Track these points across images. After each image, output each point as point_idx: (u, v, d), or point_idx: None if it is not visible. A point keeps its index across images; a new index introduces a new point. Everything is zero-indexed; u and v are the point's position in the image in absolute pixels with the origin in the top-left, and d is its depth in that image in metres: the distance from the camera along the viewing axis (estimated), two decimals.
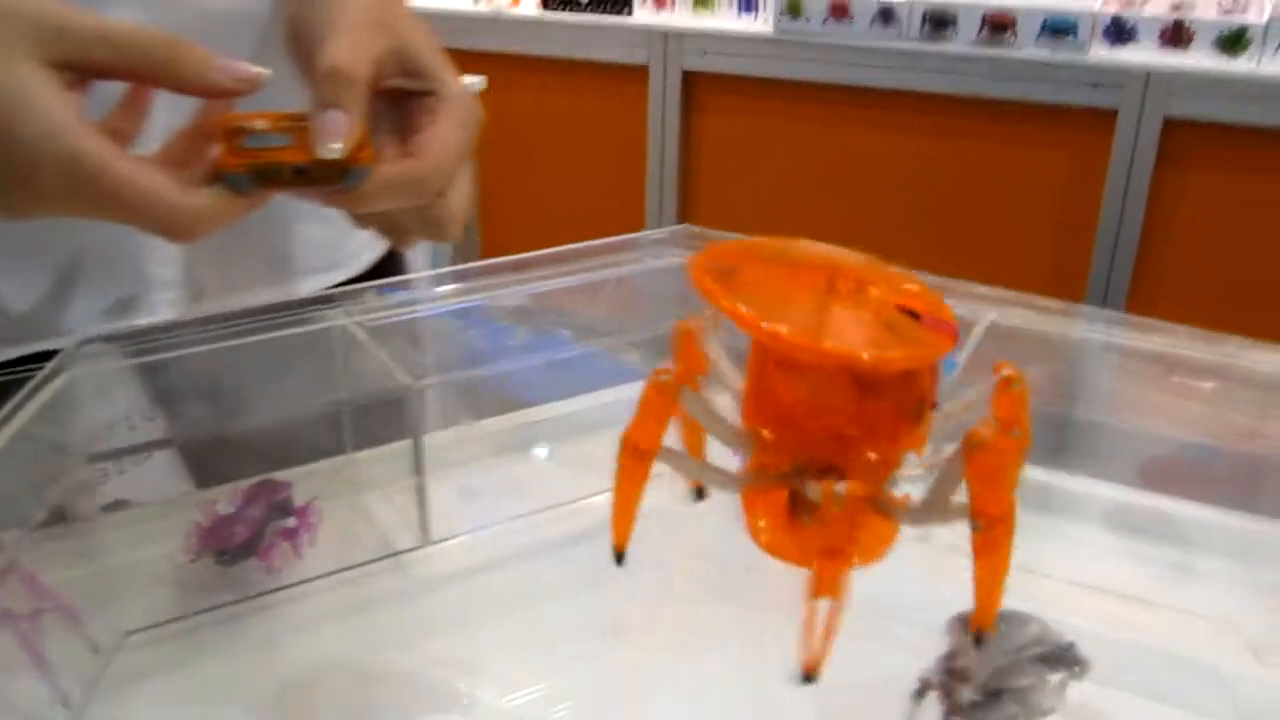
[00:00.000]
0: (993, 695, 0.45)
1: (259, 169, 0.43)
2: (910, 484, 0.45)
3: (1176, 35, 2.15)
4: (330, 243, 0.71)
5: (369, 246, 0.73)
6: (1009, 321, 0.58)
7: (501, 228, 2.87)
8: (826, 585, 0.40)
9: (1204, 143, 2.17)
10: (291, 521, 0.58)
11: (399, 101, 0.48)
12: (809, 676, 0.41)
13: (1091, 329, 0.58)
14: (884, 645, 0.51)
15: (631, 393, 0.72)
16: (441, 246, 2.09)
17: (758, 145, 2.58)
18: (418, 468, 0.57)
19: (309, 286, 0.69)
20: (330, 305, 0.56)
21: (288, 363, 0.57)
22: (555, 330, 0.60)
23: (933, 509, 0.43)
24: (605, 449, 0.70)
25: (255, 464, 0.60)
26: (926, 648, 0.47)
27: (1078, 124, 2.26)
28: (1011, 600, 0.45)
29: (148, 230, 0.43)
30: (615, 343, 0.62)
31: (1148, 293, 2.28)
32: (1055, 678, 0.47)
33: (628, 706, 0.52)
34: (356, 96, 0.44)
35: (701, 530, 0.63)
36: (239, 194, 0.44)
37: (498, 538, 0.62)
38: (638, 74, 2.61)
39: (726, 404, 0.47)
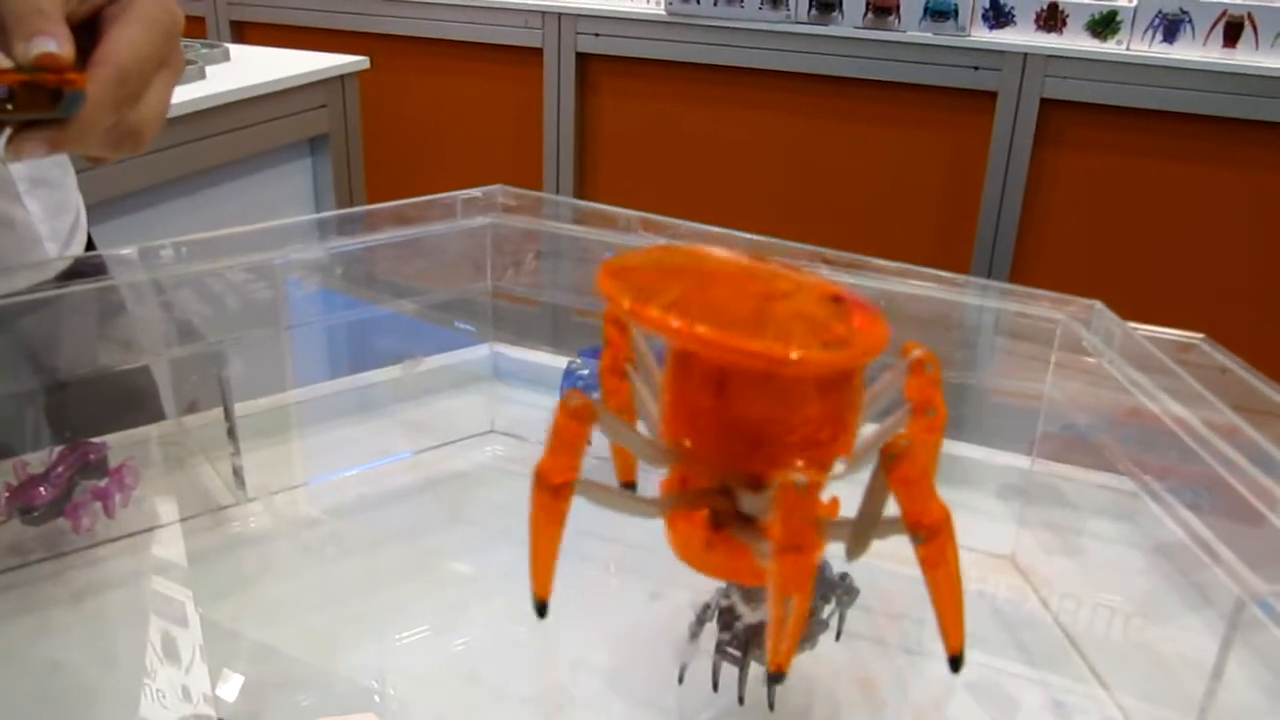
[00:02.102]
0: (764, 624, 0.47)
1: None
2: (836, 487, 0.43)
3: (1051, 18, 2.22)
4: None
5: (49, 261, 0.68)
6: (899, 290, 0.57)
7: None
8: (795, 581, 0.37)
9: (1078, 123, 2.24)
10: (104, 481, 0.58)
11: (90, 27, 0.46)
12: (776, 676, 0.40)
13: (984, 298, 0.58)
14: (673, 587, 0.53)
15: (447, 360, 0.74)
16: None
17: (653, 126, 2.60)
18: (227, 413, 0.57)
19: None
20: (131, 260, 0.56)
21: (88, 321, 0.57)
22: (367, 292, 0.60)
23: (866, 530, 0.41)
24: (424, 413, 0.72)
25: (78, 431, 0.60)
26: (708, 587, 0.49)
27: (960, 105, 2.32)
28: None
29: None
30: (426, 303, 0.63)
31: (1029, 267, 2.35)
32: (828, 607, 0.49)
33: (511, 647, 0.53)
34: (52, 10, 0.42)
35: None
36: None
37: (321, 494, 0.63)
38: (531, 56, 2.61)
39: (648, 402, 0.46)
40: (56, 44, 0.42)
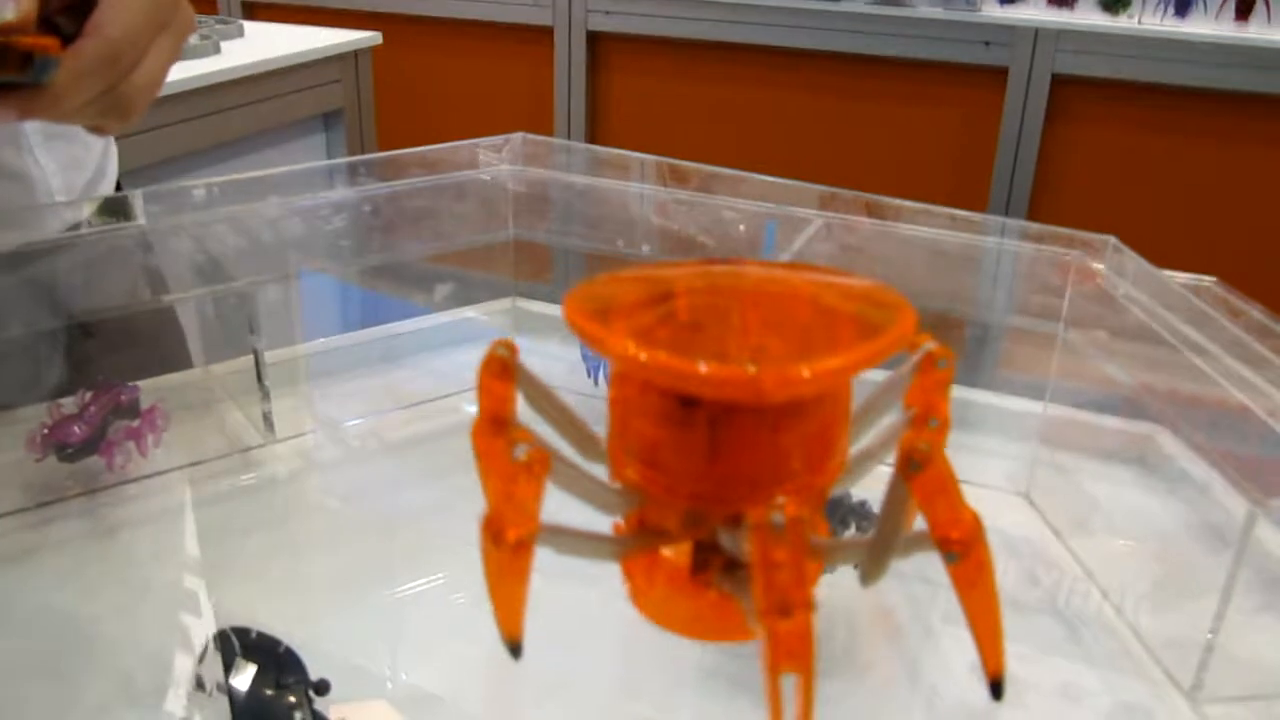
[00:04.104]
0: None
1: None
2: None
3: None
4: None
5: (56, 210, 0.66)
6: (910, 234, 0.58)
7: None
8: (789, 653, 0.30)
9: (1090, 98, 2.24)
10: (136, 422, 0.59)
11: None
12: None
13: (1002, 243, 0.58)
14: None
15: (470, 312, 0.75)
16: None
17: (664, 104, 2.60)
18: (256, 355, 0.58)
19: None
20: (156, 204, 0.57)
21: (115, 264, 0.58)
22: (390, 238, 0.61)
23: (885, 549, 0.36)
24: (446, 363, 0.73)
25: (108, 376, 0.61)
26: None
27: (971, 81, 2.32)
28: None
29: None
30: (449, 250, 0.64)
31: None
32: (848, 533, 0.50)
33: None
34: None
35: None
36: None
37: (346, 438, 0.64)
38: (543, 35, 2.62)
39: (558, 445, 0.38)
40: (13, 8, 0.40)
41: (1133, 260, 0.53)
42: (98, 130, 0.49)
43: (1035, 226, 0.56)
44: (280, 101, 1.75)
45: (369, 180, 0.60)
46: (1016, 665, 0.50)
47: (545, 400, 0.38)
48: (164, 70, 0.47)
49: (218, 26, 1.74)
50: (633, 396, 0.34)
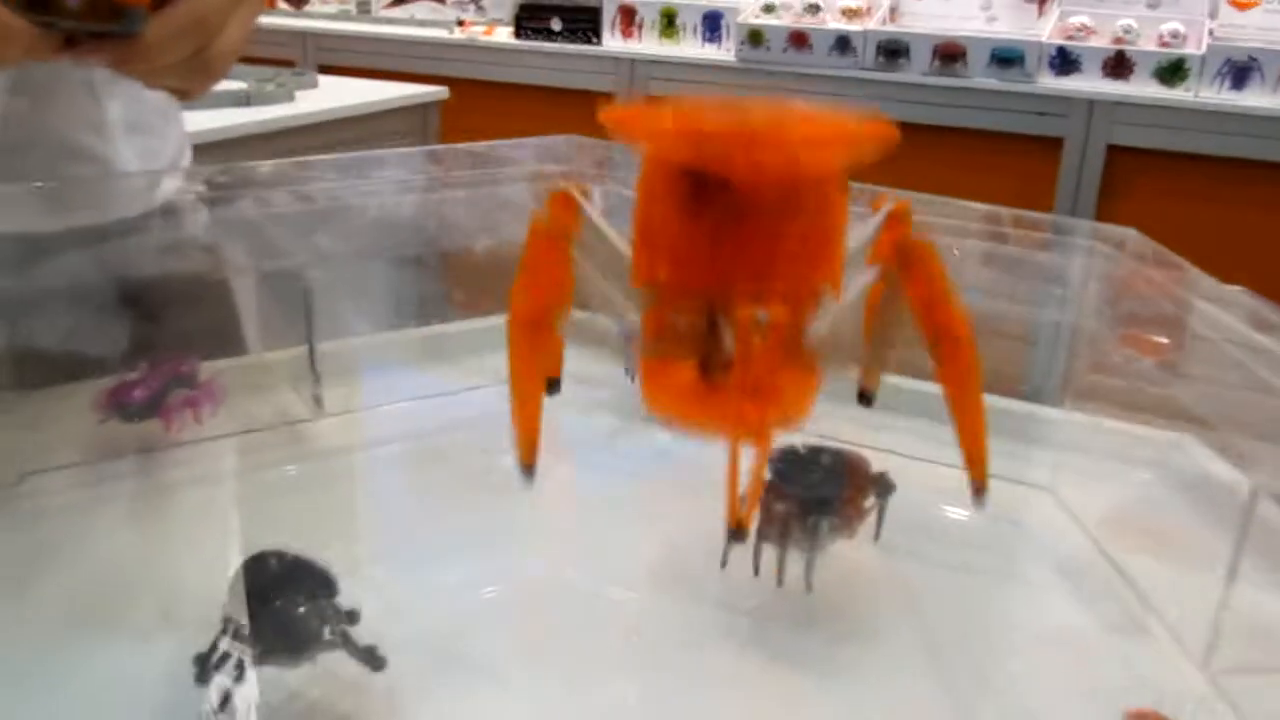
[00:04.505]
0: (807, 509, 0.49)
1: None
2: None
3: (1118, 66, 2.24)
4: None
5: (141, 193, 0.70)
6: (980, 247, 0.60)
7: None
8: (748, 426, 0.33)
9: (1146, 169, 2.25)
10: (194, 391, 0.62)
11: None
12: (736, 532, 0.36)
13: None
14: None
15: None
16: None
17: None
18: (308, 335, 0.61)
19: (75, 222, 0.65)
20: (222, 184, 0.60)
21: (178, 244, 0.61)
22: (437, 237, 0.64)
23: (881, 351, 0.38)
24: (495, 362, 0.75)
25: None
26: None
27: (1026, 150, 2.34)
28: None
29: None
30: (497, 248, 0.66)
31: None
32: (868, 501, 0.52)
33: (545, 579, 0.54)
34: None
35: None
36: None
37: (391, 419, 0.67)
38: (604, 100, 2.69)
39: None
40: None
41: (1152, 250, 0.54)
42: (181, 94, 0.53)
43: (1055, 219, 0.57)
44: (348, 150, 1.82)
45: (429, 170, 0.63)
46: (1039, 647, 0.50)
47: (599, 239, 0.40)
48: (243, 38, 0.51)
49: (293, 76, 1.82)
50: (655, 190, 0.37)
